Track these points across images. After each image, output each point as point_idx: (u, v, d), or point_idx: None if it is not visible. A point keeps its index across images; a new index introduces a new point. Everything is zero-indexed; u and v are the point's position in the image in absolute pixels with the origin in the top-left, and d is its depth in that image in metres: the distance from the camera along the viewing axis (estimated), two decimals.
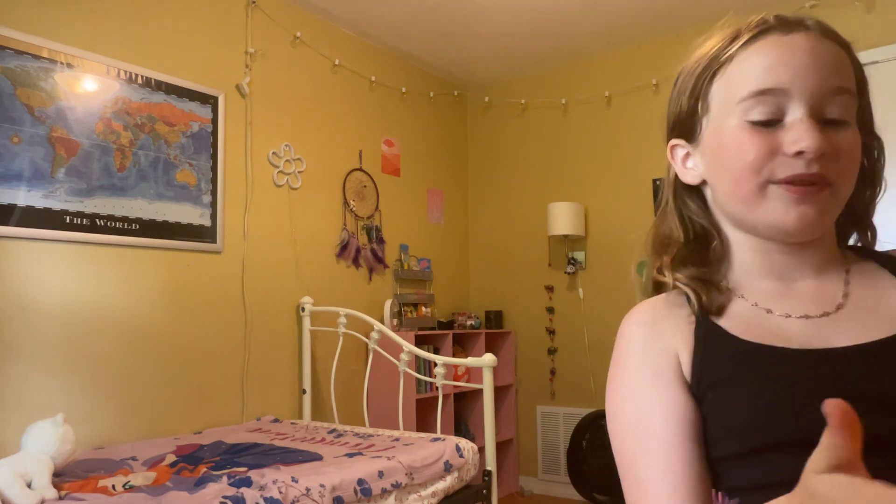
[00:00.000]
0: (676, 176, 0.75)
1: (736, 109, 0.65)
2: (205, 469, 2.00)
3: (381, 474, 1.99)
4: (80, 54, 2.44)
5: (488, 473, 2.48)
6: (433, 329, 3.82)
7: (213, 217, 2.86)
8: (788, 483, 0.43)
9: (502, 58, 4.06)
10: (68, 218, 2.37)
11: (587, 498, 3.60)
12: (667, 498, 0.60)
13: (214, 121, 2.89)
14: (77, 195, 2.40)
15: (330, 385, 3.16)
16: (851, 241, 0.75)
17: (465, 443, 2.37)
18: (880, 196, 0.72)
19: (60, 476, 1.84)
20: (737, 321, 0.66)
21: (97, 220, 2.45)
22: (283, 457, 2.10)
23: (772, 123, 0.63)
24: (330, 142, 3.50)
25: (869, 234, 0.74)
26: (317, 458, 2.11)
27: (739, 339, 0.64)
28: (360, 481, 1.92)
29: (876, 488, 0.35)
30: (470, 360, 2.70)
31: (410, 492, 2.10)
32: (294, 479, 1.79)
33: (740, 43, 0.66)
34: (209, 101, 2.88)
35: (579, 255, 4.00)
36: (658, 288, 0.74)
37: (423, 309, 3.91)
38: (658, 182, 3.66)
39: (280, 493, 1.72)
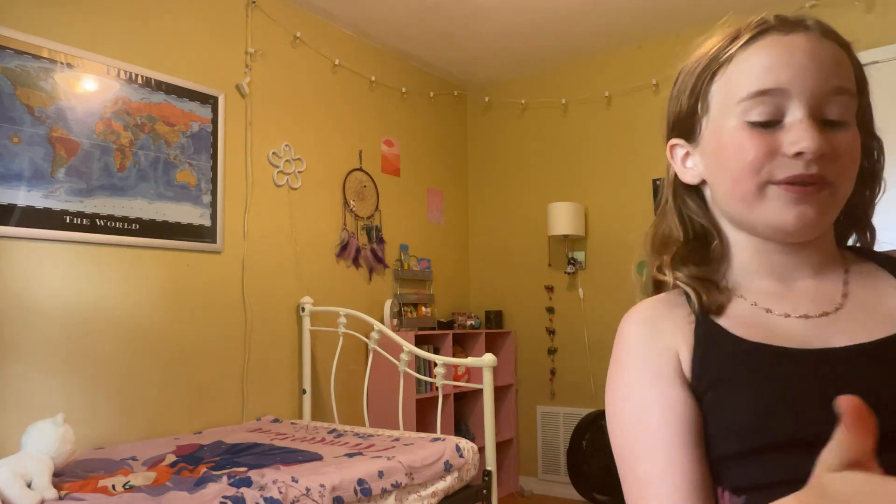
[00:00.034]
0: (676, 175, 0.75)
1: (735, 110, 0.65)
2: (205, 469, 2.00)
3: (381, 474, 1.99)
4: (80, 54, 2.44)
5: (488, 473, 2.48)
6: (433, 329, 3.82)
7: (213, 217, 2.86)
8: (789, 483, 0.42)
9: (502, 58, 4.06)
10: (68, 218, 2.37)
11: (587, 498, 3.60)
12: (668, 497, 0.60)
13: (214, 121, 2.89)
14: (77, 195, 2.40)
15: (330, 385, 3.16)
16: (850, 242, 0.75)
17: (465, 443, 2.37)
18: (879, 196, 0.72)
19: (60, 476, 1.84)
20: (736, 321, 0.66)
21: (97, 220, 2.45)
22: (283, 457, 2.10)
23: (771, 124, 0.63)
24: (330, 142, 3.50)
25: (868, 234, 0.74)
26: (317, 458, 2.11)
27: (739, 338, 0.64)
28: (360, 481, 1.92)
29: (894, 485, 0.34)
30: (470, 360, 2.70)
31: (410, 492, 2.10)
32: (294, 479, 1.79)
33: (740, 43, 0.66)
34: (209, 101, 2.88)
35: (579, 255, 4.00)
36: (658, 287, 0.74)
37: (423, 309, 3.91)
38: (658, 182, 3.66)
39: (280, 493, 1.72)
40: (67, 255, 2.37)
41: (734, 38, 0.67)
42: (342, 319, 3.09)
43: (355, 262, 3.55)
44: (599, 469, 3.45)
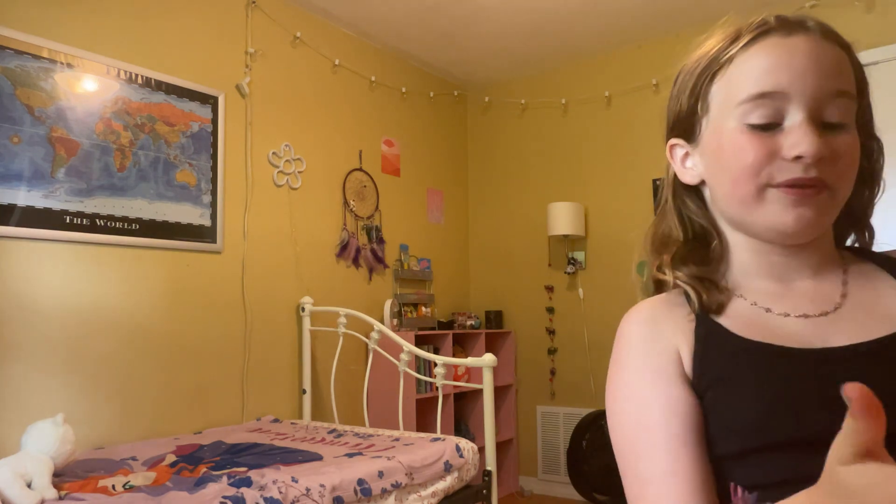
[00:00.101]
0: (676, 175, 0.75)
1: (735, 112, 0.65)
2: (205, 469, 2.00)
3: (381, 474, 1.99)
4: (80, 54, 2.44)
5: (488, 473, 2.48)
6: (433, 329, 3.82)
7: (213, 217, 2.86)
8: (789, 482, 0.42)
9: (502, 58, 4.06)
10: (68, 218, 2.37)
11: (587, 498, 3.60)
12: (670, 496, 0.60)
13: (214, 121, 2.89)
14: (77, 195, 2.40)
15: (330, 385, 3.16)
16: (849, 242, 0.75)
17: (465, 443, 2.37)
18: (879, 197, 0.73)
19: (60, 476, 1.84)
20: (736, 320, 0.66)
21: (97, 220, 2.45)
22: (283, 457, 2.10)
23: (771, 127, 0.63)
24: (330, 142, 3.50)
25: (867, 234, 0.74)
26: (317, 458, 2.11)
27: (740, 337, 0.64)
28: (360, 481, 1.92)
29: None
30: (470, 360, 2.70)
31: (410, 492, 2.10)
32: (294, 479, 1.79)
33: (741, 44, 0.66)
34: (209, 101, 2.88)
35: (579, 255, 4.00)
36: (659, 287, 0.74)
37: (423, 309, 3.91)
38: (658, 182, 3.66)
39: (280, 493, 1.72)
40: (67, 255, 2.37)
41: (734, 39, 0.66)
42: (342, 319, 3.09)
43: (355, 262, 3.55)
44: (599, 469, 3.45)
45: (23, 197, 2.26)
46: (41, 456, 1.77)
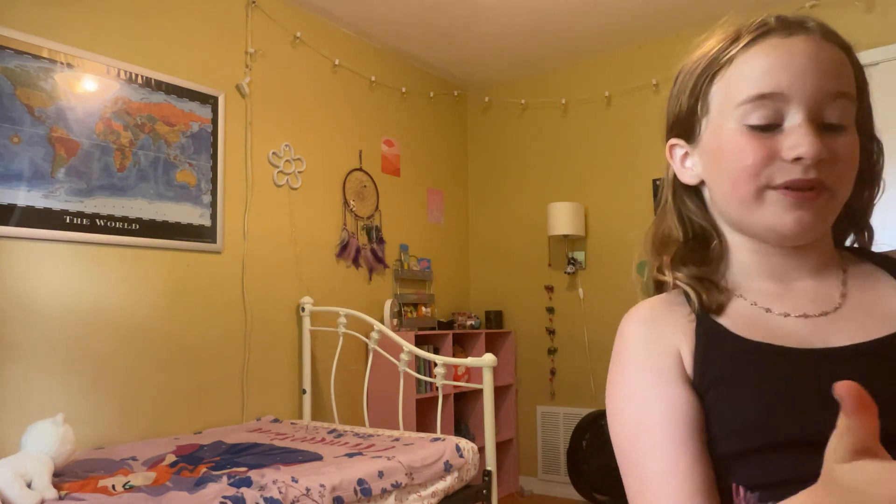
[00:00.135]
0: (676, 175, 0.75)
1: (735, 113, 0.65)
2: (205, 469, 2.00)
3: (381, 474, 1.99)
4: (80, 54, 2.44)
5: (488, 473, 2.48)
6: (433, 329, 3.82)
7: (213, 217, 2.86)
8: (790, 482, 0.42)
9: (502, 58, 4.06)
10: (68, 218, 2.37)
11: (587, 498, 3.60)
12: (671, 495, 0.60)
13: (214, 121, 2.89)
14: (77, 195, 2.40)
15: (330, 385, 3.16)
16: (848, 242, 0.75)
17: (465, 443, 2.37)
18: (878, 198, 0.73)
19: (60, 476, 1.84)
20: (737, 320, 0.66)
21: (97, 220, 2.45)
22: (283, 457, 2.10)
23: (770, 128, 0.63)
24: (330, 142, 3.50)
25: (866, 235, 0.74)
26: (317, 458, 2.11)
27: (740, 337, 0.64)
28: (360, 481, 1.92)
29: None
30: (470, 360, 2.70)
31: (410, 492, 2.10)
32: (294, 479, 1.79)
33: (741, 45, 0.65)
34: (209, 101, 2.88)
35: (579, 255, 4.00)
36: (659, 288, 0.74)
37: (423, 309, 3.91)
38: (658, 182, 3.66)
39: (280, 493, 1.72)
40: (67, 255, 2.37)
41: (734, 40, 0.66)
42: (342, 319, 3.09)
43: (355, 262, 3.55)
44: (599, 469, 3.45)
45: (23, 197, 2.26)
46: (41, 456, 1.77)
